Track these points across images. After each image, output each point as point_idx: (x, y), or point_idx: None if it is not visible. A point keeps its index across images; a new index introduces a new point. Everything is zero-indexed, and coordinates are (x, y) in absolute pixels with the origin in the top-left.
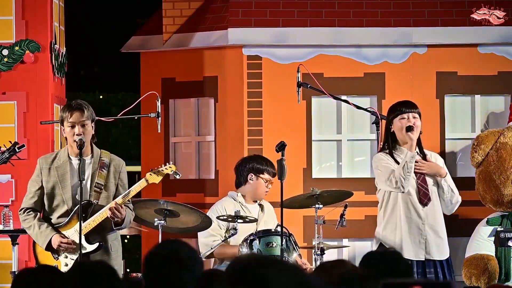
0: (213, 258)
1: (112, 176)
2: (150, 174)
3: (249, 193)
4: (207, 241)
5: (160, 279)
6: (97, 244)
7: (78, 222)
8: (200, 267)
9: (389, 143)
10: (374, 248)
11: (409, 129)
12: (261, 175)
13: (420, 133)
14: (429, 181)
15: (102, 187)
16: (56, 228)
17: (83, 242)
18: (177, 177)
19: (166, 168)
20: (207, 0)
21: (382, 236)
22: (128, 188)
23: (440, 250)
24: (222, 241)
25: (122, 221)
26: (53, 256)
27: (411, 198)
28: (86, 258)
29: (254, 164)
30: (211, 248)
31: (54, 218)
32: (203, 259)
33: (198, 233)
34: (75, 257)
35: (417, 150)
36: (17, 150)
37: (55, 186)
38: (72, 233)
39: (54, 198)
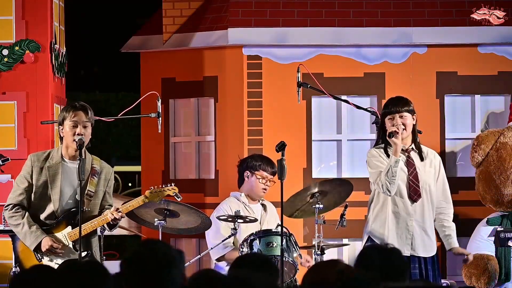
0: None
1: (102, 184)
2: (151, 193)
3: (248, 192)
4: (218, 243)
5: (141, 279)
6: (85, 253)
7: (68, 227)
8: (182, 266)
9: (383, 138)
10: (364, 241)
11: (391, 135)
12: (256, 172)
13: (420, 132)
14: (423, 179)
15: (93, 194)
16: (47, 230)
17: (71, 249)
18: (178, 199)
19: (168, 189)
20: (207, 0)
21: (371, 229)
22: (126, 200)
23: (426, 248)
24: (227, 238)
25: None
26: (36, 257)
27: (401, 193)
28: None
29: (249, 162)
30: (219, 251)
31: (41, 218)
32: (214, 262)
33: (207, 234)
34: (60, 261)
35: (413, 146)
36: (1, 163)
37: (45, 186)
38: (60, 237)
39: (42, 197)
